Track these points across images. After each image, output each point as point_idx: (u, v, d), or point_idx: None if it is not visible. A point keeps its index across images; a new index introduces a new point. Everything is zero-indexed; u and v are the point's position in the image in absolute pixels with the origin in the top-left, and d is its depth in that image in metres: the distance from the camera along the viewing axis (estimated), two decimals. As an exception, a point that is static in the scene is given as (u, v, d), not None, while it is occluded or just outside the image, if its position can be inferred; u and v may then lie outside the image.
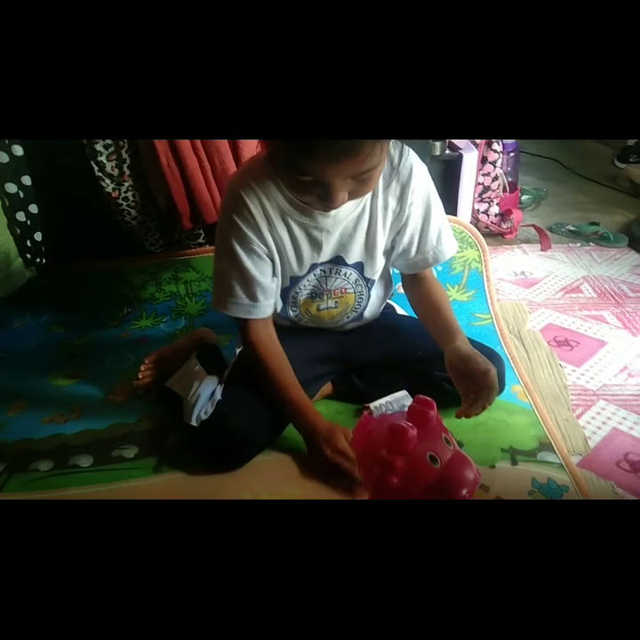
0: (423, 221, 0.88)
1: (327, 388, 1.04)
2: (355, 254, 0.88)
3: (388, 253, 0.93)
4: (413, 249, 0.90)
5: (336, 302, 0.94)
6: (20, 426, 1.02)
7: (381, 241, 0.88)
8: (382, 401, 0.96)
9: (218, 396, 0.91)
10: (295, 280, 0.90)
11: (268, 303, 0.88)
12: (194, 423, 0.89)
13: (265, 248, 0.84)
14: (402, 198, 0.85)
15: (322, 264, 0.88)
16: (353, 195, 0.74)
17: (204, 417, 0.89)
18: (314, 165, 0.67)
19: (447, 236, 0.92)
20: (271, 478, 0.87)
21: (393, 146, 0.85)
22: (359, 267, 0.91)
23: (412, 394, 0.96)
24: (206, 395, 0.93)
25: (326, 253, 0.87)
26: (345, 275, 0.91)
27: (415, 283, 0.96)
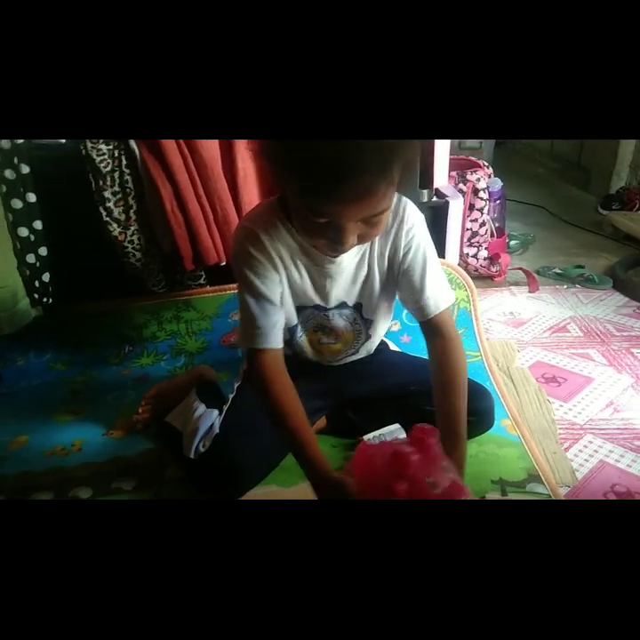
0: (421, 270, 0.88)
1: (321, 422, 1.07)
2: (354, 296, 0.92)
3: (388, 298, 0.95)
4: (412, 296, 0.89)
5: (336, 338, 0.97)
6: (22, 459, 1.04)
7: (378, 286, 0.91)
8: (376, 433, 0.99)
9: (216, 429, 0.94)
10: (301, 309, 0.92)
11: (279, 332, 0.86)
12: (192, 456, 0.92)
13: (276, 274, 0.84)
14: (398, 246, 0.87)
15: (325, 308, 0.92)
16: (361, 239, 0.75)
17: (202, 450, 0.92)
18: (330, 207, 0.68)
19: (444, 285, 0.91)
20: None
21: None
22: (358, 307, 0.94)
23: (405, 427, 0.99)
24: (205, 428, 0.96)
25: (331, 300, 0.90)
26: (346, 315, 0.94)
27: (430, 337, 0.90)
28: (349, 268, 0.88)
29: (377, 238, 0.85)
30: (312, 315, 0.93)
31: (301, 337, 0.96)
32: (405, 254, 0.87)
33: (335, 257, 0.84)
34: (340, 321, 0.94)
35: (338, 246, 0.74)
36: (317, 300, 0.91)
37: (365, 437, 0.97)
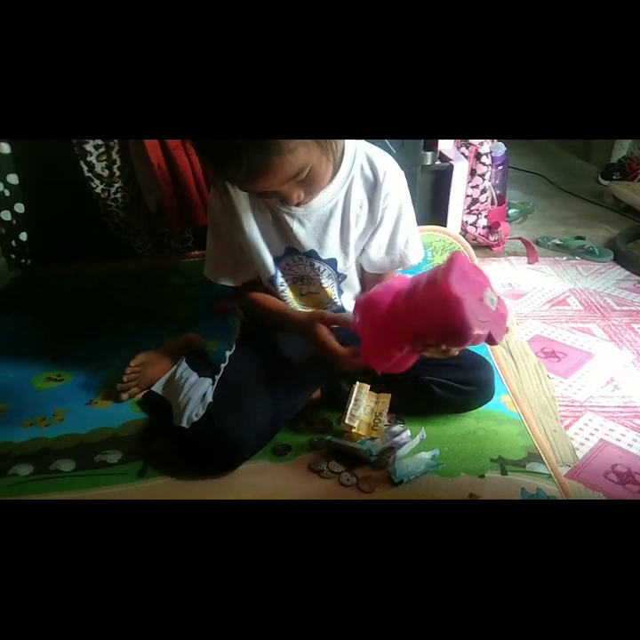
0: (394, 225, 0.91)
1: (316, 394, 1.03)
2: (328, 250, 0.91)
3: (359, 250, 0.95)
4: (382, 250, 0.93)
5: (319, 287, 0.97)
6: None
7: (354, 238, 0.91)
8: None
9: (209, 398, 0.90)
10: (277, 260, 0.93)
11: (248, 270, 0.95)
12: (185, 425, 0.88)
13: (242, 219, 0.87)
14: (376, 200, 0.88)
15: (297, 253, 0.91)
16: (309, 189, 0.77)
17: (195, 419, 0.88)
18: (246, 185, 0.75)
19: (415, 243, 0.95)
20: (258, 486, 0.86)
21: (370, 151, 0.86)
22: (333, 263, 0.93)
23: (400, 396, 0.96)
24: (197, 397, 0.92)
25: (300, 243, 0.89)
26: (318, 269, 0.93)
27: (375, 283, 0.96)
28: (319, 214, 0.87)
29: (353, 190, 0.87)
30: (289, 265, 0.93)
31: (284, 290, 0.96)
32: (382, 210, 0.88)
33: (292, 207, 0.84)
34: (317, 270, 0.94)
35: (285, 204, 0.78)
36: (288, 244, 0.90)
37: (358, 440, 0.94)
